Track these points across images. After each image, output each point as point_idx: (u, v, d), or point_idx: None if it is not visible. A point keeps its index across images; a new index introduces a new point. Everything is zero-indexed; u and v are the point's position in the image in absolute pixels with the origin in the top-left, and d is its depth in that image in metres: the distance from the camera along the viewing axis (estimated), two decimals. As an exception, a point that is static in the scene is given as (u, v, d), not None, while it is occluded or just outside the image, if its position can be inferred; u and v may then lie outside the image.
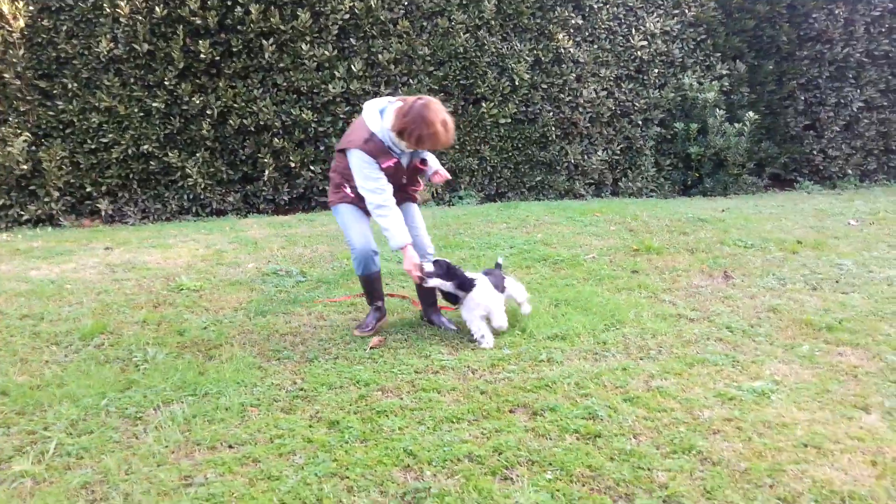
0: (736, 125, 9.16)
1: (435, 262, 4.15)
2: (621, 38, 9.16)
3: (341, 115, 8.32)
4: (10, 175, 7.49)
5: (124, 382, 3.53)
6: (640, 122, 9.39)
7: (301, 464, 2.79)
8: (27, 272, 5.53)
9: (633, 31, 9.13)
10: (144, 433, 3.05)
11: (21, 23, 7.34)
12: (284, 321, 4.49)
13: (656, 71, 9.34)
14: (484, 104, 8.74)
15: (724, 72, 9.54)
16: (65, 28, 7.51)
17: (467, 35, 8.57)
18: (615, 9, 9.05)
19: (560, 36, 8.82)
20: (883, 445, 2.91)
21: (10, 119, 7.47)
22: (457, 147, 8.84)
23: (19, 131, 7.45)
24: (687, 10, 9.35)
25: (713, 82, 9.32)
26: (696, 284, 5.19)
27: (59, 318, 4.51)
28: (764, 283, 5.17)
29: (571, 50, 8.92)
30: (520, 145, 9.03)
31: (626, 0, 9.06)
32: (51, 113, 7.63)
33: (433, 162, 4.38)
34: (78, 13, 7.51)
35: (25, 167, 7.49)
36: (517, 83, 8.76)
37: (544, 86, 8.94)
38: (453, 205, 8.69)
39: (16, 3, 7.28)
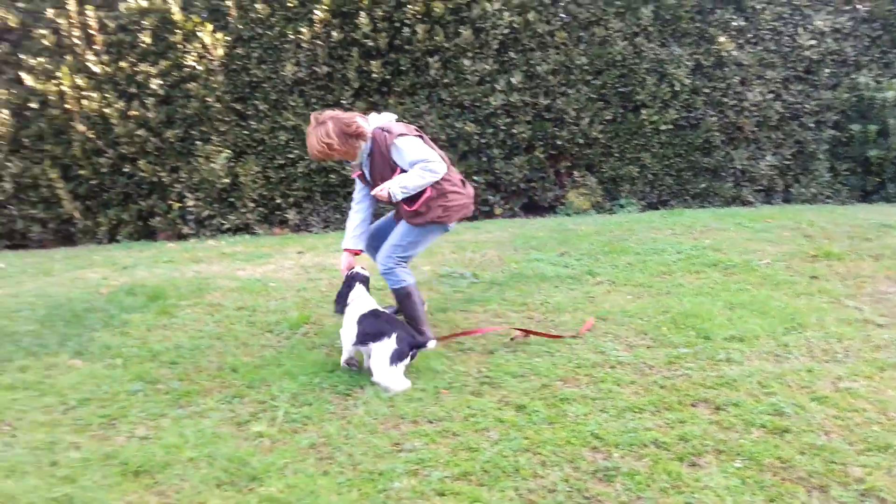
0: (923, 125, 8.53)
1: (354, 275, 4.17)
2: (787, 37, 8.81)
3: (502, 127, 8.64)
4: (213, 188, 8.46)
5: (332, 364, 3.99)
6: (811, 125, 8.97)
7: (496, 439, 3.07)
8: (235, 272, 6.27)
9: (800, 30, 8.76)
10: (355, 407, 3.46)
11: (220, 52, 8.30)
12: (463, 317, 4.82)
13: (827, 71, 8.89)
14: (644, 111, 8.74)
15: (906, 69, 8.92)
16: (255, 55, 8.39)
17: (625, 42, 8.62)
18: (779, 8, 8.72)
19: (721, 39, 8.65)
20: None
21: (213, 138, 8.44)
22: (616, 155, 8.89)
23: (220, 149, 8.40)
24: (859, 6, 8.84)
25: (892, 80, 8.74)
26: (884, 291, 4.97)
27: (269, 310, 5.11)
28: (963, 290, 4.87)
29: (734, 53, 8.71)
30: (682, 152, 8.92)
31: (793, -1, 8.74)
32: (245, 132, 8.54)
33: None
34: (266, 41, 8.36)
35: (226, 181, 8.42)
36: (677, 89, 8.68)
37: (706, 90, 8.79)
38: (614, 213, 8.75)
39: (216, 33, 8.23)
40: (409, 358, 3.68)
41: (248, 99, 8.56)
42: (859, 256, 5.81)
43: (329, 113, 4.12)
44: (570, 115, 8.68)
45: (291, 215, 8.68)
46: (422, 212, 4.18)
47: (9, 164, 8.57)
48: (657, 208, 8.98)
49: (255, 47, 8.43)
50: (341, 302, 4.04)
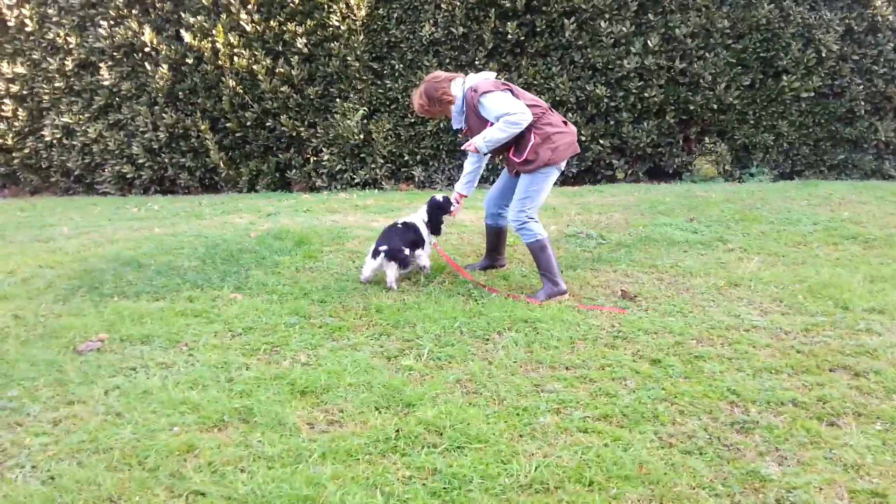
0: None
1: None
2: (956, 0, 8.19)
3: (633, 90, 8.55)
4: (346, 144, 8.89)
5: (470, 311, 4.23)
6: (972, 96, 8.35)
7: (633, 388, 3.21)
8: (370, 223, 6.65)
9: (972, -9, 8.12)
10: (495, 350, 3.69)
11: (363, 12, 8.63)
12: (593, 275, 4.94)
13: None
14: (785, 77, 8.39)
15: None
16: (395, 15, 8.67)
17: (771, 6, 8.27)
18: (949, -32, 8.11)
19: (878, 3, 8.13)
20: None
21: (351, 96, 8.84)
22: (751, 122, 8.61)
23: (357, 107, 8.79)
24: None
25: None
26: None
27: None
28: None
29: (890, 17, 8.18)
30: (822, 121, 8.53)
31: (966, -43, 8.07)
32: (380, 91, 8.89)
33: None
34: (407, 2, 8.62)
35: (359, 137, 8.83)
36: (824, 55, 8.27)
37: (855, 57, 8.33)
38: (744, 181, 8.51)
39: (360, -6, 8.58)
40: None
41: (385, 58, 8.87)
42: None
43: (429, 76, 4.65)
44: (706, 80, 8.48)
45: (417, 172, 9.00)
46: (531, 159, 4.40)
47: (164, 115, 9.33)
48: (791, 178, 8.67)
49: (396, 8, 8.70)
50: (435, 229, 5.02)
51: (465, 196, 4.99)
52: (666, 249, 5.50)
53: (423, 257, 4.93)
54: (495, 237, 5.12)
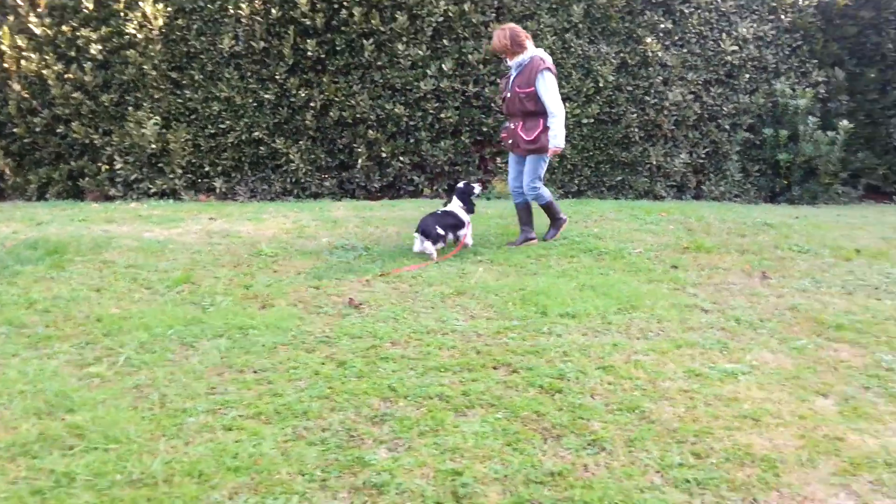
0: (829, 133, 8.96)
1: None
2: (712, 42, 9.20)
3: (431, 111, 8.96)
4: (142, 153, 8.71)
5: (190, 319, 4.32)
6: (727, 127, 9.39)
7: (303, 388, 3.42)
8: (142, 233, 6.57)
9: (725, 35, 9.14)
10: (193, 356, 3.80)
11: (160, 22, 8.53)
12: (335, 285, 5.16)
13: (748, 76, 9.30)
14: (567, 104, 9.07)
15: (821, 79, 9.33)
16: (195, 27, 8.64)
17: (554, 38, 8.95)
18: (707, 13, 9.10)
19: (648, 40, 9.01)
20: (820, 424, 3.15)
21: (145, 104, 8.69)
22: (538, 144, 9.23)
23: (151, 115, 8.65)
24: (783, 16, 9.24)
25: (808, 89, 9.15)
26: (730, 282, 5.37)
27: (157, 269, 5.42)
28: (798, 285, 5.28)
29: (659, 53, 9.08)
30: (601, 145, 9.30)
31: (720, 5, 9.09)
32: (179, 101, 8.80)
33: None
34: (207, 14, 8.61)
35: (155, 147, 8.68)
36: (601, 85, 9.04)
37: (629, 88, 9.16)
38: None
39: (157, 4, 8.46)
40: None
41: (184, 69, 8.80)
42: (727, 250, 6.22)
43: (511, 24, 6.11)
44: (497, 104, 9.01)
45: (219, 183, 8.96)
46: (536, 142, 5.98)
47: (-55, 117, 8.77)
48: (578, 197, 9.36)
49: (196, 19, 8.67)
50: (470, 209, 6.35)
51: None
52: (419, 260, 5.81)
53: (467, 236, 6.18)
54: (525, 212, 6.39)
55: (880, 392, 3.50)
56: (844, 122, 8.94)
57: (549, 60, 5.95)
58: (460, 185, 6.43)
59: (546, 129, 5.94)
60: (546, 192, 6.34)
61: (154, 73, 8.62)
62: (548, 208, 6.44)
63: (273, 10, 8.53)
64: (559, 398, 3.33)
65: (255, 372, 3.62)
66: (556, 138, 5.91)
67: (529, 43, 5.98)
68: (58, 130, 8.80)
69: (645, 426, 3.08)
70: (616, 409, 3.23)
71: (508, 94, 6.06)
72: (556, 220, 6.52)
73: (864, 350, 4.05)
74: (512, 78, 6.04)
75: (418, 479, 2.64)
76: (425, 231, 5.94)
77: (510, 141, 6.21)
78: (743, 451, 2.89)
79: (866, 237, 6.88)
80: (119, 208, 8.03)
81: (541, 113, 5.96)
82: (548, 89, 5.87)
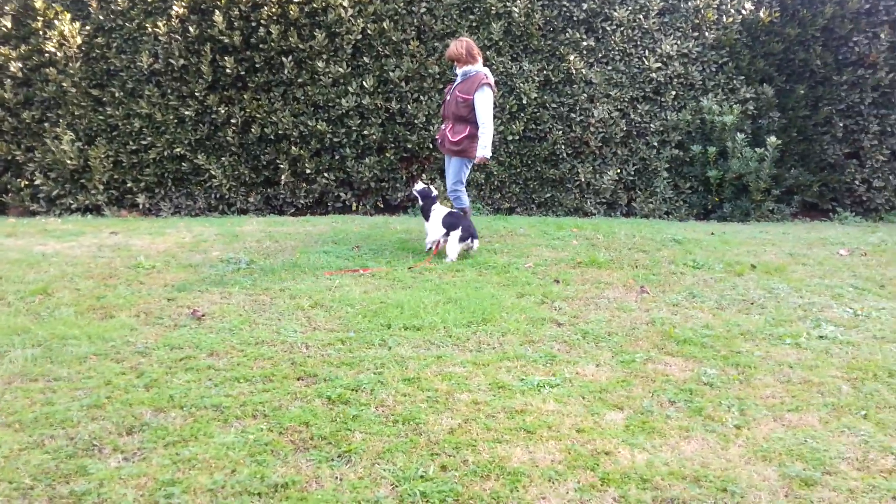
0: (758, 150, 8.89)
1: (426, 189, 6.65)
2: (636, 59, 9.17)
3: (354, 128, 8.94)
4: (64, 169, 8.70)
5: (17, 328, 4.24)
6: (655, 144, 9.32)
7: (81, 397, 3.33)
8: (33, 247, 6.52)
9: (649, 52, 9.12)
10: (2, 364, 3.72)
11: (79, 40, 8.57)
12: (193, 297, 5.07)
13: (674, 93, 9.25)
14: (492, 121, 9.05)
15: (750, 95, 9.28)
16: (115, 45, 8.67)
17: (479, 55, 8.92)
18: (630, 31, 9.08)
19: (571, 57, 8.99)
20: (596, 438, 3.05)
21: (62, 121, 8.71)
22: (464, 161, 9.19)
23: (68, 132, 8.66)
24: (707, 33, 9.22)
25: (735, 106, 9.10)
26: (605, 296, 5.26)
27: (22, 281, 5.36)
28: (672, 300, 5.18)
29: (583, 71, 9.05)
30: (529, 162, 9.25)
31: (642, 22, 9.07)
32: (100, 117, 8.80)
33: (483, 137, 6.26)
34: (125, 32, 8.65)
35: (76, 163, 8.67)
36: (525, 102, 9.01)
37: (554, 105, 9.13)
38: (455, 216, 9.03)
39: (74, 23, 8.51)
40: (468, 239, 6.30)
41: (105, 86, 8.82)
42: (619, 266, 6.12)
43: (468, 38, 6.59)
44: (421, 121, 8.99)
45: (142, 199, 8.93)
46: (461, 146, 6.32)
47: None
48: (509, 214, 9.28)
49: (115, 38, 8.71)
50: (426, 213, 6.53)
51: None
52: (299, 274, 5.71)
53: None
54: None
55: (681, 407, 3.39)
56: (773, 139, 8.86)
57: (491, 79, 6.37)
58: (434, 193, 6.67)
59: (471, 135, 6.29)
60: (465, 199, 6.66)
61: (74, 90, 8.64)
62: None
63: (190, 29, 8.56)
64: (339, 409, 3.23)
65: (47, 381, 3.53)
66: (485, 148, 6.28)
67: (480, 59, 6.41)
68: (-21, 147, 8.81)
69: (409, 438, 2.98)
70: (391, 422, 3.13)
71: (448, 98, 6.47)
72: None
73: (695, 364, 3.95)
74: (455, 83, 6.43)
75: (127, 490, 2.55)
76: (473, 233, 6.36)
77: (439, 140, 6.60)
78: (495, 465, 2.79)
79: (773, 253, 6.78)
80: (32, 223, 8.00)
81: (471, 121, 6.29)
82: (483, 103, 6.23)
